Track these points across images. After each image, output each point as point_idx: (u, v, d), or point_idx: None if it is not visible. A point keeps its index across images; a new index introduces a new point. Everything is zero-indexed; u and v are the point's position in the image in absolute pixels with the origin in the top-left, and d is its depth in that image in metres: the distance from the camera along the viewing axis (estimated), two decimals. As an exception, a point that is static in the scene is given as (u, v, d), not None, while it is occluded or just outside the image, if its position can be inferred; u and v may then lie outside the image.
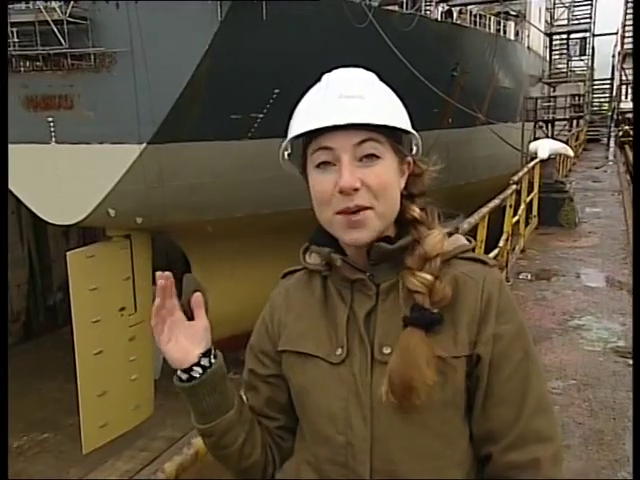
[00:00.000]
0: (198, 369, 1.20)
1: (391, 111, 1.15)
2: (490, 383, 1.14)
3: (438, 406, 1.12)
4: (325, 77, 1.19)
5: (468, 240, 1.24)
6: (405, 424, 1.12)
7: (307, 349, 1.21)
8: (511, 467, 1.13)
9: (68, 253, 9.47)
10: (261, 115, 9.80)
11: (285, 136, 1.20)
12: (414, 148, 1.21)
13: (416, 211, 1.19)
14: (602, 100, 42.37)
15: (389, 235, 1.18)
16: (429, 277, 1.13)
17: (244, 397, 1.33)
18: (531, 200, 9.62)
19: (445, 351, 1.11)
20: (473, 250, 1.25)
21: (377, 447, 1.13)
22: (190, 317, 1.23)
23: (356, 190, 1.10)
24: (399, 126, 1.14)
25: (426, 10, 13.42)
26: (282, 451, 1.32)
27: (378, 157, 1.12)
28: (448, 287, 1.13)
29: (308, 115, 1.14)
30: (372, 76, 1.19)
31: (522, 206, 8.36)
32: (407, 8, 12.54)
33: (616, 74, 39.22)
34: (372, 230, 1.13)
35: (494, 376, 1.14)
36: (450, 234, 1.21)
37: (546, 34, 26.24)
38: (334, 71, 1.19)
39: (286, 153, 1.21)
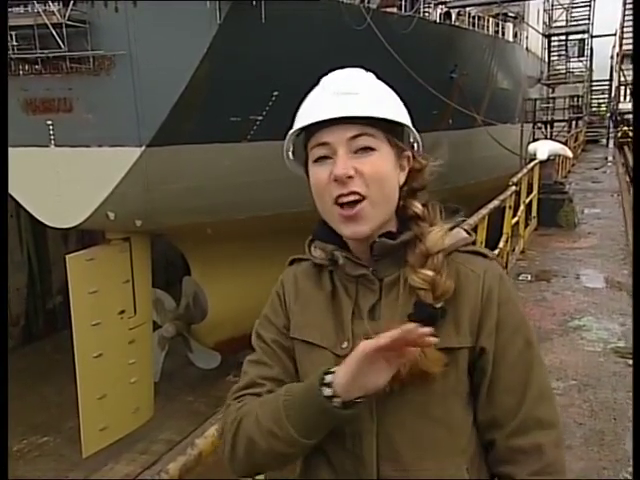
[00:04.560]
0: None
1: (386, 105, 1.19)
2: (494, 372, 1.19)
3: (440, 396, 1.16)
4: (323, 79, 1.24)
5: (468, 233, 1.27)
6: (410, 414, 1.16)
7: (313, 339, 1.23)
8: (514, 452, 1.18)
9: (67, 256, 9.44)
10: (260, 117, 9.80)
11: (285, 138, 1.23)
12: (415, 144, 1.25)
13: (418, 207, 1.22)
14: (601, 101, 42.44)
15: (391, 230, 1.22)
16: (430, 274, 1.16)
17: (264, 362, 1.28)
18: (530, 201, 9.63)
19: (447, 342, 1.14)
20: (474, 243, 1.28)
21: (383, 437, 1.16)
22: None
23: (350, 178, 1.13)
24: (390, 118, 1.17)
25: (425, 12, 13.41)
26: None
27: (373, 149, 1.16)
28: (449, 281, 1.16)
29: (305, 114, 1.19)
30: (368, 74, 1.23)
31: (521, 207, 8.37)
32: (405, 10, 12.55)
33: (615, 75, 39.30)
34: (370, 221, 1.17)
35: (498, 365, 1.18)
36: (451, 228, 1.24)
37: (545, 35, 26.24)
38: (331, 73, 1.24)
39: (290, 153, 1.26)
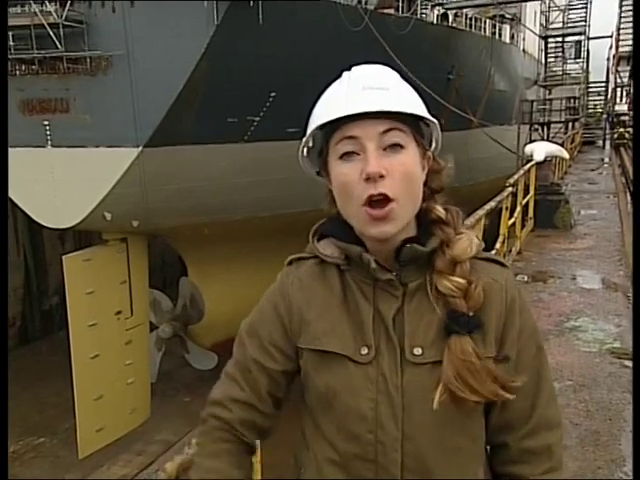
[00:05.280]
0: None
1: (414, 102, 1.17)
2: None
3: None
4: (346, 73, 1.21)
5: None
6: (435, 422, 1.14)
7: (332, 348, 1.19)
8: (526, 453, 1.22)
9: (64, 257, 9.43)
10: (257, 118, 9.80)
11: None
12: (434, 143, 1.23)
13: (441, 211, 1.20)
14: (597, 103, 42.59)
15: (414, 235, 1.19)
16: (462, 281, 1.15)
17: (237, 380, 1.27)
18: (527, 202, 9.64)
19: None
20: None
21: (408, 445, 1.15)
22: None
23: (382, 177, 1.10)
24: (424, 115, 1.16)
25: (422, 13, 13.45)
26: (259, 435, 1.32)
27: (402, 147, 1.14)
28: (480, 289, 1.16)
29: (333, 106, 1.15)
30: (393, 72, 1.21)
31: (518, 208, 8.38)
32: (403, 11, 12.58)
33: (611, 77, 39.44)
34: (397, 222, 1.14)
35: (515, 371, 1.20)
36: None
37: (541, 37, 26.34)
38: (355, 67, 1.21)
39: (305, 149, 1.21)
